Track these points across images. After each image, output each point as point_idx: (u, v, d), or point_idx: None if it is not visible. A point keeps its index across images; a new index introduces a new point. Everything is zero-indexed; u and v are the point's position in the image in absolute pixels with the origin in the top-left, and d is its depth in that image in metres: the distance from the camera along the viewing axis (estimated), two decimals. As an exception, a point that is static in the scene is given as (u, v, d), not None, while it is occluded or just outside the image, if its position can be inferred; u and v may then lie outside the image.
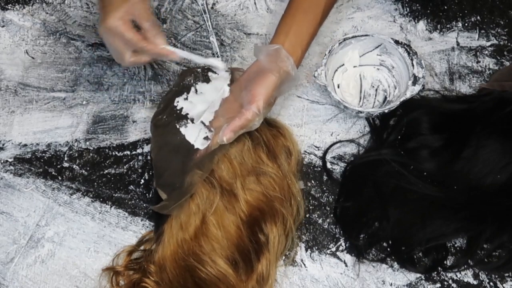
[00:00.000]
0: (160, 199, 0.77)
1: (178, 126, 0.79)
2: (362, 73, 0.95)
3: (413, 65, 0.87)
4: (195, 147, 0.78)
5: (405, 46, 0.89)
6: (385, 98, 0.92)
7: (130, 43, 0.75)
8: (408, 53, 0.88)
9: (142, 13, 0.75)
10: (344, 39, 0.90)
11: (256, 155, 0.80)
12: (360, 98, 0.93)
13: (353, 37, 0.91)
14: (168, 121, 0.80)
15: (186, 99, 0.81)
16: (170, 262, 0.74)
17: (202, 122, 0.79)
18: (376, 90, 0.93)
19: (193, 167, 0.76)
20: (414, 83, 0.86)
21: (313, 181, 0.87)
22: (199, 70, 0.83)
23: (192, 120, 0.80)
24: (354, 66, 0.95)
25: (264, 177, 0.79)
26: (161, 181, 0.77)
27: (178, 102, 0.81)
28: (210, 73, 0.83)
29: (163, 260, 0.75)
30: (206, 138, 0.78)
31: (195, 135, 0.78)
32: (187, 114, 0.80)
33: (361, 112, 0.87)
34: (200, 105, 0.81)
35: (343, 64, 0.94)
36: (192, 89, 0.82)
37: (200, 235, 0.75)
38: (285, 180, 0.80)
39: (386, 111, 0.87)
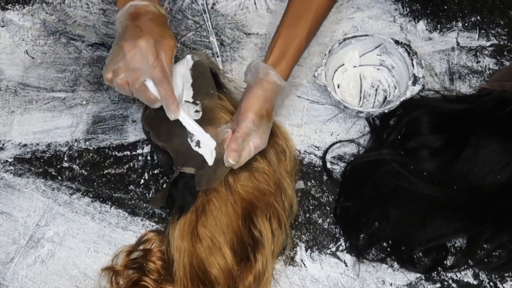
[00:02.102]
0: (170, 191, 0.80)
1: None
2: (362, 73, 0.95)
3: (413, 65, 0.87)
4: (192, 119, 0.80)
5: (405, 46, 0.89)
6: (385, 98, 0.92)
7: (150, 68, 0.73)
8: (408, 53, 0.88)
9: (169, 57, 0.75)
10: (344, 39, 0.90)
11: None
12: (360, 98, 0.93)
13: (353, 37, 0.91)
14: (155, 112, 0.80)
15: None
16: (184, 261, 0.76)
17: (187, 101, 0.81)
18: (376, 90, 0.93)
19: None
20: (414, 83, 0.86)
21: (313, 181, 0.87)
22: None
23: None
24: (354, 66, 0.95)
25: (257, 172, 0.80)
26: (181, 161, 0.78)
27: None
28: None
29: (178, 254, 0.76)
30: (196, 111, 0.80)
31: (186, 112, 0.79)
32: None
33: (361, 112, 0.87)
34: (176, 86, 0.80)
35: (343, 64, 0.94)
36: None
37: (203, 223, 0.77)
38: (275, 175, 0.81)
39: (386, 111, 0.87)
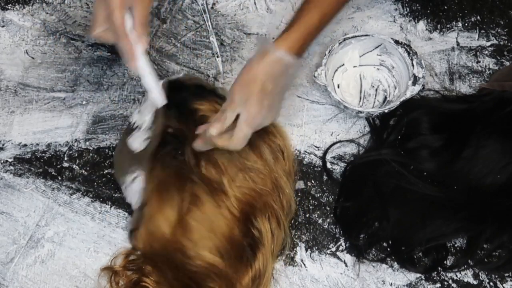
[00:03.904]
0: None
1: (127, 139, 0.80)
2: (362, 73, 0.95)
3: (413, 65, 0.87)
4: (137, 151, 0.78)
5: (405, 46, 0.89)
6: (385, 98, 0.92)
7: (111, 22, 0.70)
8: (408, 53, 0.88)
9: (140, 7, 0.71)
10: (344, 39, 0.90)
11: (242, 152, 0.80)
12: (360, 98, 0.93)
13: (353, 37, 0.91)
14: (123, 139, 0.81)
15: (138, 111, 0.81)
16: (159, 263, 0.76)
17: (147, 127, 0.79)
18: (376, 90, 0.93)
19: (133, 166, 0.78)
20: (414, 83, 0.86)
21: (313, 181, 0.87)
22: None
23: (140, 128, 0.79)
24: (354, 66, 0.95)
25: (253, 173, 0.80)
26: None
27: (132, 116, 0.82)
28: None
29: (152, 263, 0.76)
30: (147, 138, 0.78)
31: (139, 141, 0.78)
32: (137, 126, 0.80)
33: (361, 112, 0.87)
34: (146, 111, 0.79)
35: (343, 64, 0.94)
36: (143, 100, 0.82)
37: (179, 231, 0.76)
38: (272, 174, 0.81)
39: (386, 111, 0.87)
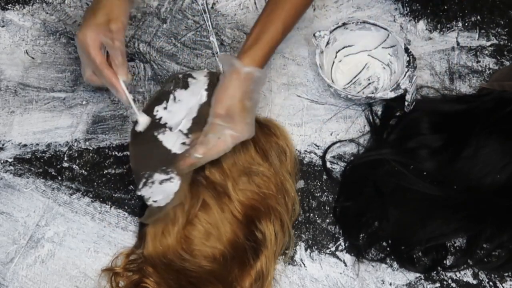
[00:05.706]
0: (145, 205, 0.78)
1: (156, 134, 0.77)
2: (368, 64, 0.94)
3: (404, 75, 0.86)
4: (172, 151, 0.76)
5: (410, 56, 0.88)
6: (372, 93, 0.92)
7: (92, 62, 0.76)
8: (408, 63, 0.87)
9: (113, 40, 0.75)
10: (364, 22, 0.90)
11: (247, 155, 0.80)
12: (349, 82, 0.93)
13: (373, 24, 0.90)
14: (147, 129, 0.78)
15: (165, 108, 0.79)
16: (160, 266, 0.76)
17: (180, 131, 0.77)
18: (369, 84, 0.93)
19: (169, 167, 0.76)
20: (392, 90, 0.86)
21: (313, 181, 0.87)
22: (180, 76, 0.81)
23: (171, 129, 0.78)
24: (368, 55, 0.94)
25: (257, 176, 0.80)
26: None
27: (157, 111, 0.79)
28: (189, 79, 0.80)
29: (153, 266, 0.76)
30: (184, 143, 0.76)
31: (172, 141, 0.77)
32: (166, 123, 0.78)
33: (330, 86, 0.88)
34: (178, 113, 0.78)
35: (353, 45, 0.94)
36: (171, 96, 0.79)
37: (184, 237, 0.76)
38: (278, 177, 0.81)
39: (350, 96, 0.87)
